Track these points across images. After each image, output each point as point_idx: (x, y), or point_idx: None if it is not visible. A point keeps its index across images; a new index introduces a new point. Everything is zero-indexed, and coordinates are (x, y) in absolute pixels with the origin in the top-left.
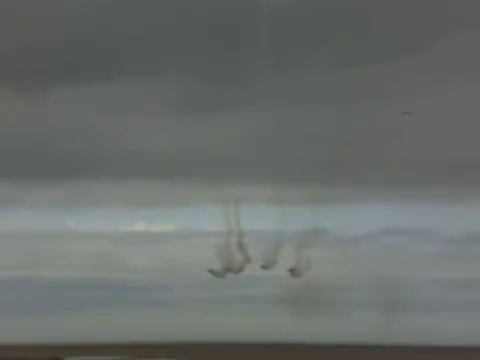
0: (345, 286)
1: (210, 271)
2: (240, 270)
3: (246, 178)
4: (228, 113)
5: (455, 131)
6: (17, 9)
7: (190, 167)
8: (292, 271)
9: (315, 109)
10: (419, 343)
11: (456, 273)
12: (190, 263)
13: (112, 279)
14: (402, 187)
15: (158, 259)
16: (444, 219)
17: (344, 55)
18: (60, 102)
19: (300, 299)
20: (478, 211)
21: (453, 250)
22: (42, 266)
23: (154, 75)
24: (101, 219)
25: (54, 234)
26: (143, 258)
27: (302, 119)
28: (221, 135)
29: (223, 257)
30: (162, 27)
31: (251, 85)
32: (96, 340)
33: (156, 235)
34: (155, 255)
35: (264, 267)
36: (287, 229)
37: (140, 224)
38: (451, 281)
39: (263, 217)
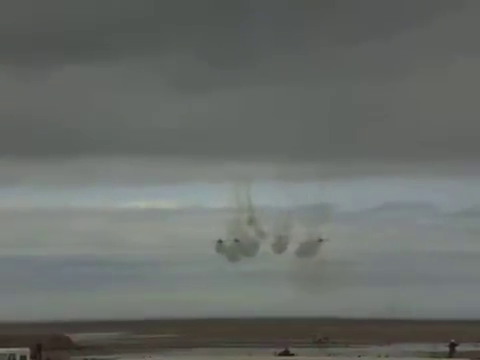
0: (350, 261)
1: (219, 242)
2: (256, 246)
3: (250, 154)
4: (231, 90)
5: (455, 106)
6: None
7: (193, 144)
8: (301, 248)
9: (317, 85)
10: (423, 316)
11: (457, 246)
12: (195, 239)
13: (115, 256)
14: (403, 162)
15: (162, 236)
16: (445, 193)
17: (344, 32)
18: (61, 79)
19: (308, 275)
20: (476, 185)
21: (454, 224)
22: (43, 243)
23: (156, 53)
24: (104, 196)
25: (56, 211)
26: (147, 235)
27: (304, 95)
28: (224, 112)
29: (234, 233)
30: (164, 5)
31: (253, 62)
32: (99, 317)
33: (160, 211)
34: (159, 231)
35: (276, 249)
36: (292, 206)
37: (144, 201)
38: (452, 254)
39: (269, 194)
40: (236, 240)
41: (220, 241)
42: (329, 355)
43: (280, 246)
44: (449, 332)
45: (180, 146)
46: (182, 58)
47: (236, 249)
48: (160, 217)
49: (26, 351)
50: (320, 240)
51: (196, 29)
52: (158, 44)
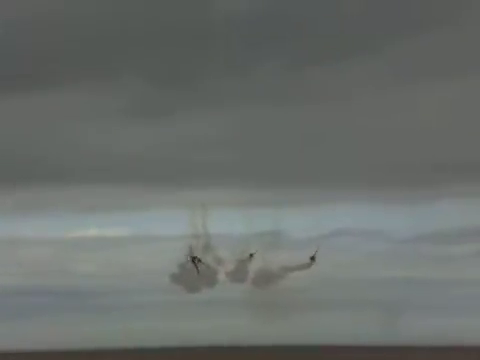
0: (305, 288)
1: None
2: (215, 273)
3: (202, 181)
4: (181, 116)
5: (406, 132)
6: None
7: (147, 170)
8: (258, 275)
9: (268, 111)
10: (376, 342)
11: (407, 272)
12: (148, 268)
13: (65, 286)
14: (354, 188)
15: (114, 265)
16: (397, 220)
17: (296, 58)
18: (11, 108)
19: (260, 302)
20: (427, 212)
21: (404, 250)
22: None
23: (106, 80)
24: (54, 224)
25: (3, 240)
26: (98, 264)
27: (255, 121)
28: (175, 138)
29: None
30: (113, 32)
31: (204, 88)
32: (46, 347)
33: (112, 240)
34: (111, 260)
35: (234, 278)
36: (247, 232)
37: (95, 229)
38: (402, 280)
39: (224, 221)
40: (197, 259)
41: (194, 258)
42: None
43: (239, 274)
44: (399, 358)
45: (133, 173)
46: (136, 83)
47: (194, 277)
48: (112, 245)
49: None
50: (312, 259)
51: (147, 55)
52: (108, 71)
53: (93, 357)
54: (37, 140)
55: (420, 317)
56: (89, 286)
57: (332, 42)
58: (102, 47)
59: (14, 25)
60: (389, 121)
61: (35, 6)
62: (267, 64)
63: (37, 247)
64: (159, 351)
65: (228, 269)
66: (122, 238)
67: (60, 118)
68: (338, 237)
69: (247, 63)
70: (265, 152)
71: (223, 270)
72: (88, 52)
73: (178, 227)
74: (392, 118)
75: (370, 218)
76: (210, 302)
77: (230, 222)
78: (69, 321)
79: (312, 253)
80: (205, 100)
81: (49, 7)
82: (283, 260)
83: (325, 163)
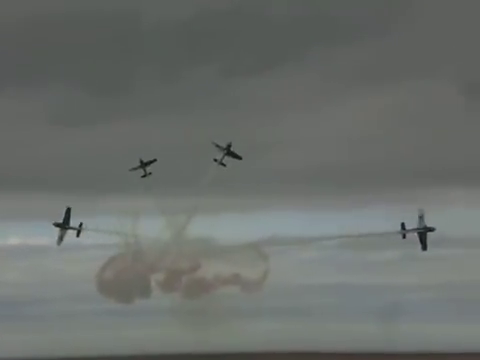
0: (234, 295)
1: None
2: (146, 282)
3: (132, 189)
4: (112, 123)
5: (333, 140)
6: None
7: (72, 178)
8: (189, 283)
9: (198, 118)
10: (303, 349)
11: (337, 279)
12: (73, 277)
13: None
14: (284, 196)
15: (37, 273)
16: (324, 226)
17: (224, 68)
18: None
19: (192, 310)
20: (355, 218)
21: (328, 256)
22: None
23: (35, 85)
24: None
25: None
26: (20, 272)
27: (185, 129)
28: (104, 146)
29: (119, 269)
30: (44, 38)
31: (135, 95)
32: None
33: (36, 248)
34: (34, 269)
35: (165, 287)
36: (177, 239)
37: (18, 237)
38: (332, 286)
39: (153, 228)
40: (129, 283)
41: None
42: None
43: (170, 283)
44: None
45: (59, 180)
46: (67, 90)
47: (125, 285)
48: (37, 254)
49: None
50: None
51: (77, 62)
52: (37, 77)
53: None
54: None
55: (352, 323)
56: (13, 295)
57: (261, 51)
58: (32, 52)
59: None
60: (317, 129)
61: None
62: (196, 73)
63: None
64: None
65: (161, 278)
66: (48, 246)
67: None
68: (269, 245)
69: (177, 71)
70: (196, 159)
71: (154, 278)
72: (16, 57)
73: (107, 235)
74: (319, 126)
75: (300, 225)
76: (141, 311)
77: (160, 230)
78: None
79: (243, 260)
80: (136, 107)
81: None
82: (214, 267)
83: (255, 171)
